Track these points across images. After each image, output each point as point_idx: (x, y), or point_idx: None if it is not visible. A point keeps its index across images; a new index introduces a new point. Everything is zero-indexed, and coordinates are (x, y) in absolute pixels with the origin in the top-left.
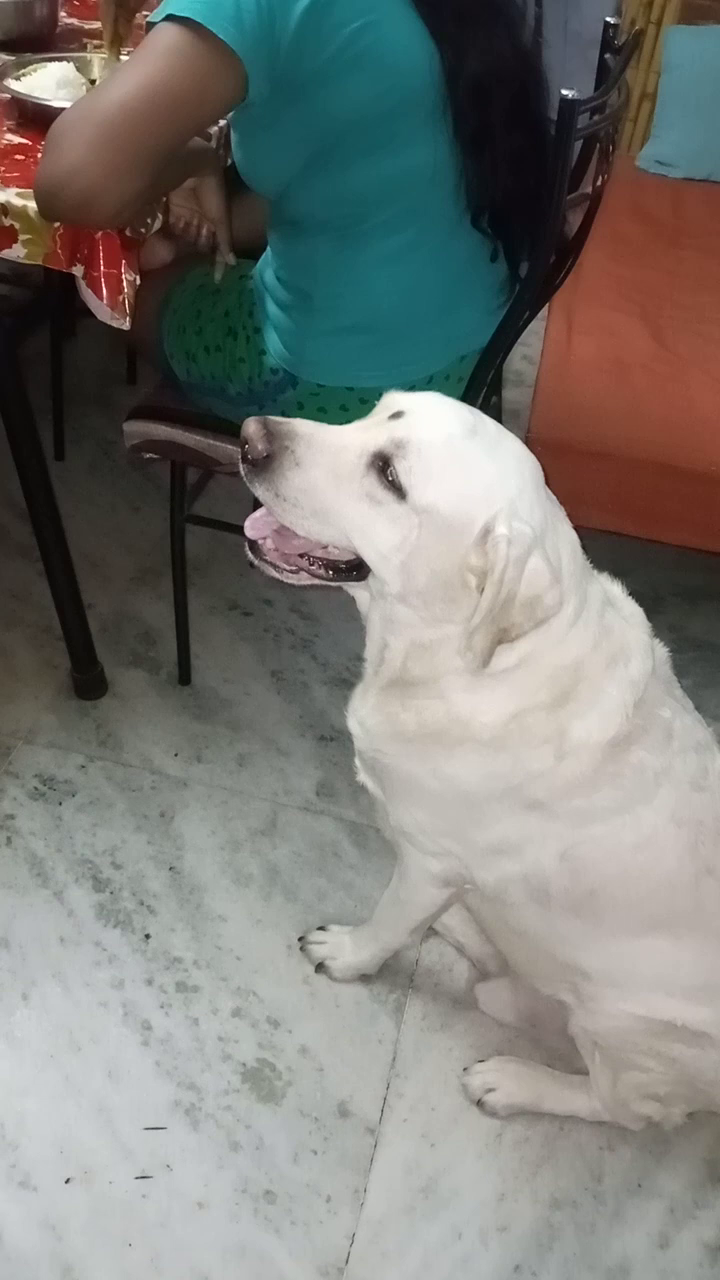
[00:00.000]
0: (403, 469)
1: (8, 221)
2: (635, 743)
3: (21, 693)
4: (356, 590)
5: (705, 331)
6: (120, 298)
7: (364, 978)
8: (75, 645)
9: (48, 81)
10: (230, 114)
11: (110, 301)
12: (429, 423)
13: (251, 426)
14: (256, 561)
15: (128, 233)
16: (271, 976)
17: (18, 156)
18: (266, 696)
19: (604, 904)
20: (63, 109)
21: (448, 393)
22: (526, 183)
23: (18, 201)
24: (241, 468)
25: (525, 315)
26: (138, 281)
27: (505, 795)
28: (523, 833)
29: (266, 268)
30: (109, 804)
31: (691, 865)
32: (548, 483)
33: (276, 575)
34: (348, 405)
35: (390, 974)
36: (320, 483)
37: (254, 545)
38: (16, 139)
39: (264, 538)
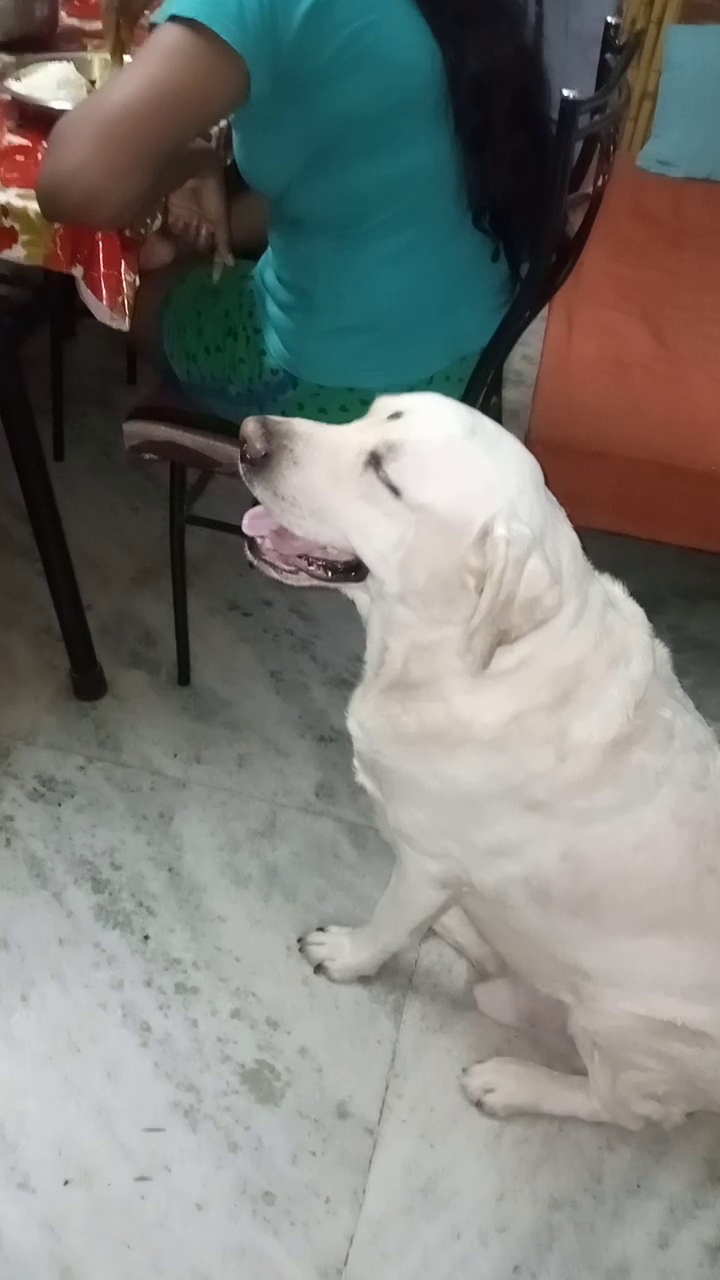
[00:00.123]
0: (399, 467)
1: (8, 222)
2: (636, 743)
3: (21, 693)
4: (356, 592)
5: (706, 331)
6: (120, 298)
7: (363, 979)
8: (75, 646)
9: (48, 82)
10: (232, 114)
11: (109, 302)
12: (427, 422)
13: (250, 426)
14: (255, 561)
15: (127, 233)
16: (270, 977)
17: (18, 157)
18: (266, 697)
19: (605, 904)
20: (63, 109)
21: (448, 393)
22: (527, 182)
23: (18, 202)
24: (240, 467)
25: (526, 315)
26: (137, 282)
27: (506, 795)
28: (523, 833)
29: (267, 268)
30: (108, 805)
31: (692, 865)
32: (548, 483)
33: (275, 575)
34: (348, 406)
35: (389, 975)
36: (318, 482)
37: (253, 544)
38: (17, 140)
39: (262, 536)
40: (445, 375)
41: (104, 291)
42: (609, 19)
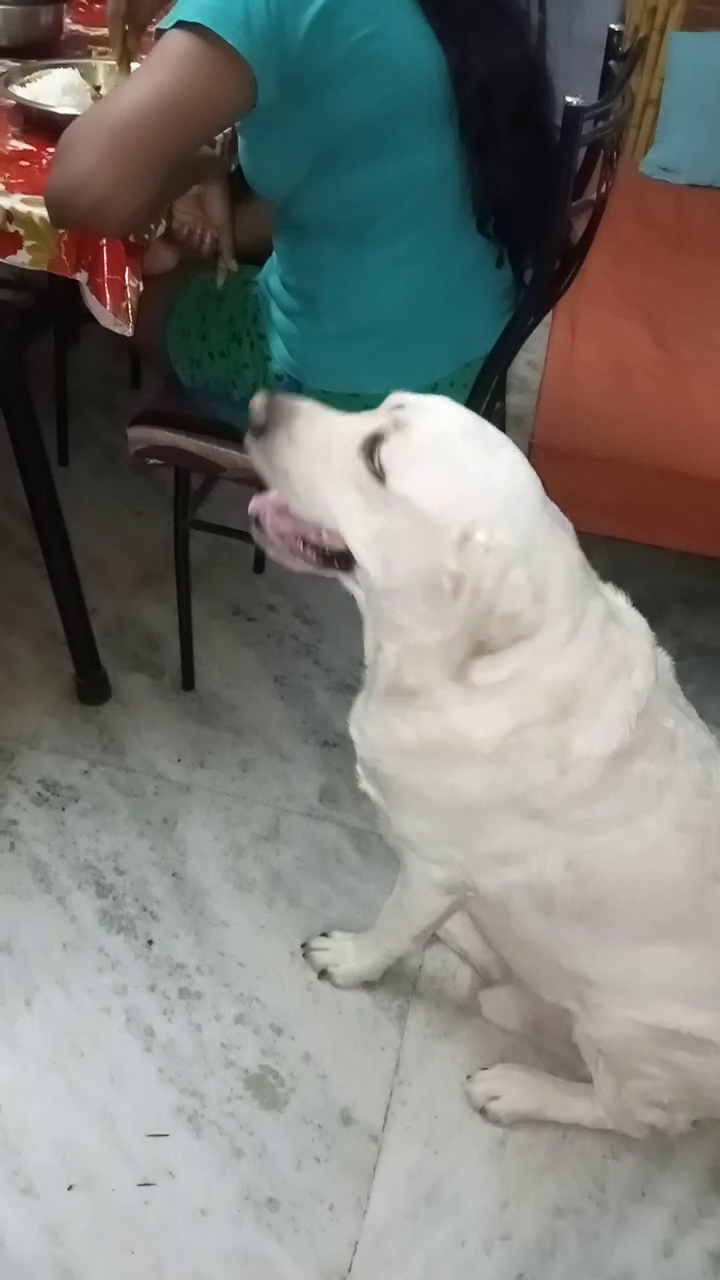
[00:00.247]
0: (386, 452)
1: (12, 228)
2: (639, 753)
3: (24, 698)
4: (353, 586)
5: (709, 336)
6: (123, 304)
7: (367, 984)
8: (78, 650)
9: (53, 88)
10: (238, 119)
11: (113, 308)
12: (425, 416)
13: (259, 398)
14: (256, 537)
15: (131, 239)
16: (274, 983)
17: (22, 163)
18: (269, 702)
19: (610, 911)
20: (68, 115)
21: (452, 399)
22: (531, 186)
23: (22, 208)
24: (247, 437)
25: (530, 321)
26: (141, 288)
27: (508, 805)
28: (526, 842)
29: (271, 273)
30: (112, 809)
31: (697, 872)
32: (550, 488)
33: (273, 555)
34: (352, 411)
35: (393, 980)
36: (311, 460)
37: (258, 520)
38: (21, 145)
39: (263, 512)
40: (449, 381)
41: (108, 297)
42: (612, 26)
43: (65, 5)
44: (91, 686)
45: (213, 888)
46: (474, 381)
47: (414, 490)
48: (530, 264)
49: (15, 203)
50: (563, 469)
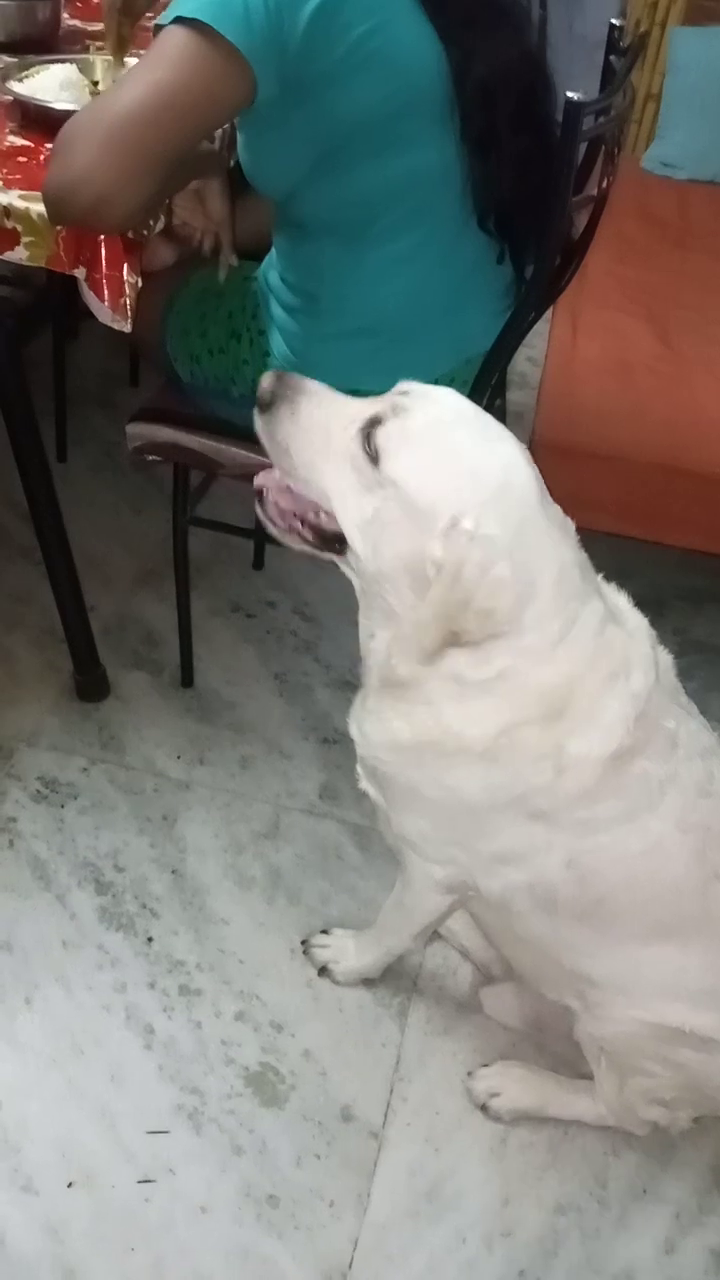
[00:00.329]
0: (382, 435)
1: (10, 224)
2: (639, 754)
3: (24, 695)
4: (351, 573)
5: (711, 333)
6: (122, 300)
7: (367, 981)
8: (77, 647)
9: (50, 83)
10: (238, 116)
11: (112, 304)
12: (426, 403)
13: (269, 375)
14: (259, 513)
15: (130, 235)
16: (274, 980)
17: (20, 159)
18: (269, 699)
19: (611, 911)
20: (65, 111)
21: None
22: (532, 184)
23: (20, 204)
24: (255, 411)
25: (531, 317)
26: (139, 284)
27: (508, 806)
28: (527, 842)
29: (271, 270)
30: (111, 807)
31: (699, 870)
32: (552, 485)
33: (273, 531)
34: None
35: (394, 978)
36: (311, 437)
37: (261, 496)
38: (19, 141)
39: (267, 488)
40: (450, 378)
41: (106, 293)
42: (613, 21)
43: (63, 1)
44: (91, 684)
45: (212, 885)
46: (475, 378)
47: (405, 474)
48: (531, 260)
49: (13, 199)
50: (564, 466)
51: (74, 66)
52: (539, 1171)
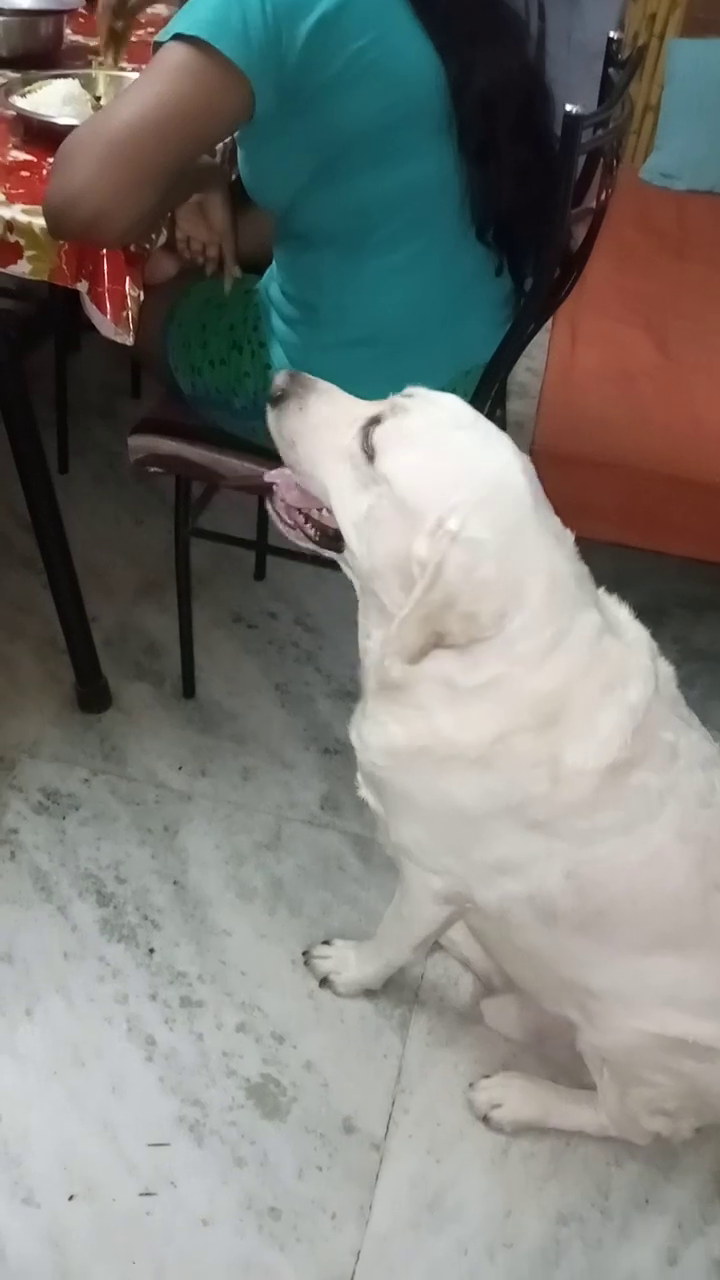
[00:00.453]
0: (379, 433)
1: (13, 238)
2: (637, 766)
3: (25, 706)
4: (349, 571)
5: (710, 341)
6: (124, 313)
7: (369, 992)
8: (79, 658)
9: (53, 98)
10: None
11: (114, 317)
12: (426, 405)
13: (283, 372)
14: (269, 508)
15: (132, 248)
16: (276, 991)
17: (23, 173)
18: (271, 709)
19: (612, 922)
20: (68, 126)
21: None
22: (531, 196)
23: (23, 218)
24: (267, 405)
25: (530, 328)
26: (141, 297)
27: (504, 814)
28: (525, 852)
29: (271, 282)
30: (113, 818)
31: (699, 881)
32: (551, 494)
33: (280, 527)
34: None
35: (395, 989)
36: (316, 432)
37: (271, 490)
38: (22, 155)
39: (278, 483)
40: (450, 389)
41: (109, 306)
42: (611, 34)
43: (65, 16)
44: (92, 695)
45: (214, 896)
46: (474, 389)
47: (397, 471)
48: (530, 272)
49: (16, 213)
50: (564, 475)
51: (77, 81)
52: (541, 1182)
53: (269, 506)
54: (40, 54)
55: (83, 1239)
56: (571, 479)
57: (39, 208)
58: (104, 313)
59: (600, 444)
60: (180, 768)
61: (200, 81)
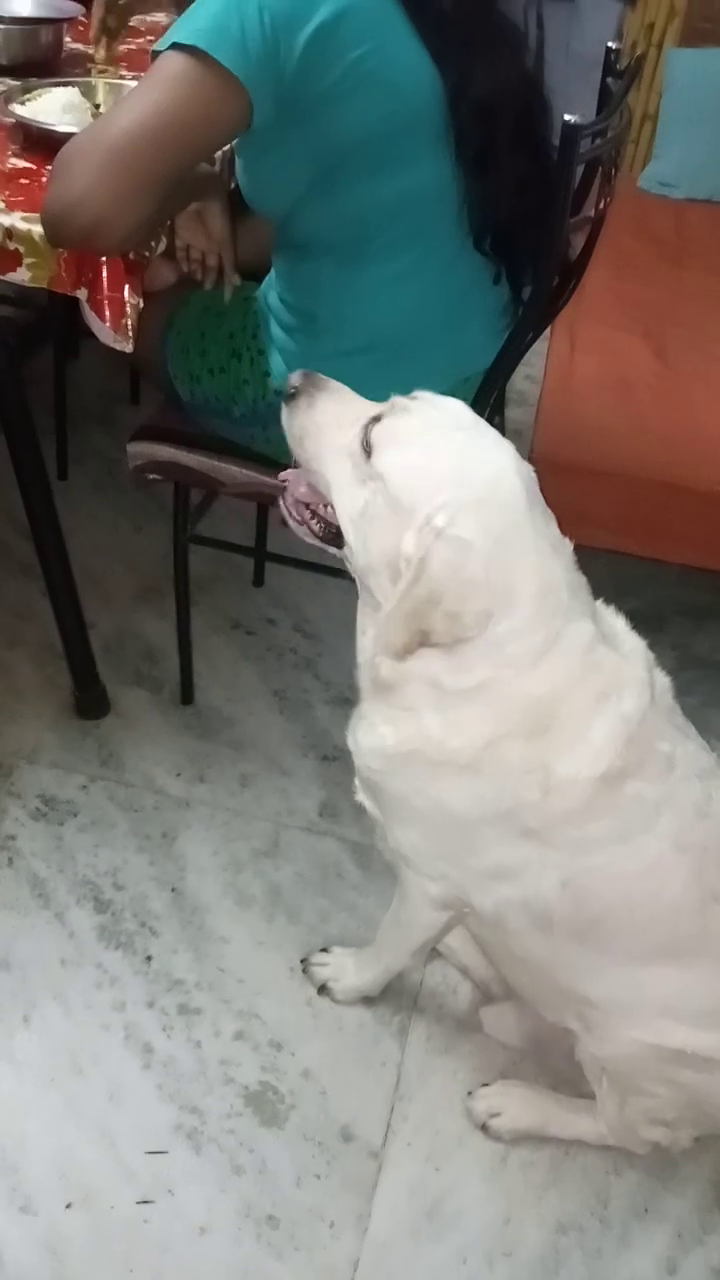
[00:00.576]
0: (378, 430)
1: (12, 245)
2: (631, 776)
3: (23, 712)
4: (350, 568)
5: (708, 349)
6: (123, 321)
7: (367, 1000)
8: (77, 664)
9: (53, 106)
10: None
11: (113, 325)
12: (428, 406)
13: (299, 371)
14: (281, 504)
15: (131, 256)
16: (274, 999)
17: (22, 181)
18: (269, 716)
19: (609, 931)
20: (68, 134)
21: None
22: (530, 205)
23: (22, 225)
24: (281, 402)
25: (529, 336)
26: (140, 305)
27: (497, 820)
28: (519, 859)
29: (270, 290)
30: (111, 824)
31: (697, 891)
32: (550, 502)
33: (290, 522)
34: None
35: (394, 996)
36: (322, 428)
37: (284, 487)
38: (21, 163)
39: (291, 480)
40: (448, 396)
41: (108, 314)
42: (610, 44)
43: (65, 25)
44: (90, 701)
45: (212, 903)
46: (473, 397)
47: (389, 467)
48: (529, 281)
49: (15, 220)
50: (562, 483)
51: (76, 89)
52: (540, 1190)
53: (281, 503)
54: (40, 62)
55: (80, 1247)
56: (570, 487)
57: (38, 215)
58: (103, 320)
59: (599, 452)
60: (178, 774)
61: (198, 90)
